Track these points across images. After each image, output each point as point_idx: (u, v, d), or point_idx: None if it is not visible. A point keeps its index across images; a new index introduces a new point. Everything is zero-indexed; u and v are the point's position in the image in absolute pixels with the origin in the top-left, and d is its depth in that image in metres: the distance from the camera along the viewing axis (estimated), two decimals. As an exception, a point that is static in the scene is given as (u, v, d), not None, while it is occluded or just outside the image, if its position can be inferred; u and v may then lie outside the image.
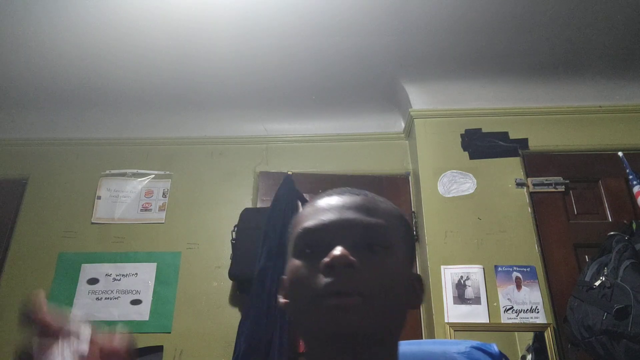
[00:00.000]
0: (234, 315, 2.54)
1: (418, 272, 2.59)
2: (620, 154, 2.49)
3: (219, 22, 2.43)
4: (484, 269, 2.37)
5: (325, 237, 0.70)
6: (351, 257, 0.65)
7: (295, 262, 0.72)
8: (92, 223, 2.83)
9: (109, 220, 2.84)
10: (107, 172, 2.98)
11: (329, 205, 0.75)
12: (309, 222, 0.73)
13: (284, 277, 0.78)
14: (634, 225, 2.29)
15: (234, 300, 2.60)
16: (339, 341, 0.64)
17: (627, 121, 2.76)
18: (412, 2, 2.36)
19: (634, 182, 2.35)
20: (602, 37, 2.57)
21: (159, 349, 2.49)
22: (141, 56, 2.64)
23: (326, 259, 0.65)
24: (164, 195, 2.90)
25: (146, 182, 2.94)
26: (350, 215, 0.72)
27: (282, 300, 0.78)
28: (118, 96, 2.94)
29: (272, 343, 2.17)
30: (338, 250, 0.66)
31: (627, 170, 2.40)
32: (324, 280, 0.65)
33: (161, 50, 2.60)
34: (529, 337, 2.29)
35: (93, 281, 2.66)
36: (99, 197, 2.89)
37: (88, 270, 2.69)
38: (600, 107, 2.80)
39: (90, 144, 3.08)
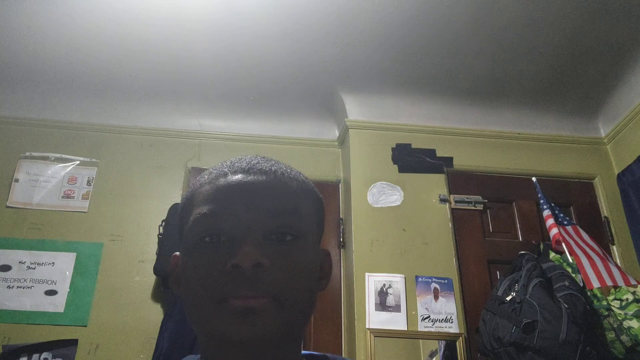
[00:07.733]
0: (156, 312, 2.50)
1: (342, 278, 2.68)
2: (534, 179, 2.70)
3: (156, 10, 2.40)
4: (405, 278, 2.49)
5: (229, 226, 0.62)
6: (260, 257, 0.59)
7: (192, 253, 0.63)
8: (8, 207, 2.67)
9: (26, 205, 2.69)
10: (28, 154, 2.82)
11: (231, 186, 0.64)
12: (208, 207, 0.63)
13: (178, 254, 0.70)
14: (541, 246, 2.50)
15: (157, 296, 2.55)
16: (244, 348, 0.59)
17: (541, 149, 3.00)
18: (358, 18, 2.45)
19: (544, 206, 2.56)
20: (526, 69, 2.78)
21: (73, 343, 2.40)
22: (72, 36, 2.54)
23: (234, 261, 0.58)
24: (88, 183, 2.78)
25: (70, 168, 2.81)
26: (258, 199, 0.63)
27: (175, 288, 0.69)
28: (46, 76, 2.79)
29: (196, 342, 2.16)
30: (246, 248, 0.59)
31: (539, 195, 2.61)
32: (229, 281, 0.59)
33: (93, 33, 2.52)
34: (434, 345, 2.42)
35: (5, 268, 2.51)
36: (17, 180, 2.74)
37: (-1, 256, 2.55)
38: (519, 134, 3.01)
39: (9, 122, 2.90)
